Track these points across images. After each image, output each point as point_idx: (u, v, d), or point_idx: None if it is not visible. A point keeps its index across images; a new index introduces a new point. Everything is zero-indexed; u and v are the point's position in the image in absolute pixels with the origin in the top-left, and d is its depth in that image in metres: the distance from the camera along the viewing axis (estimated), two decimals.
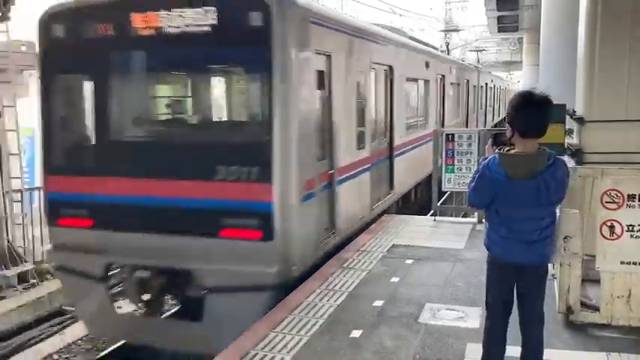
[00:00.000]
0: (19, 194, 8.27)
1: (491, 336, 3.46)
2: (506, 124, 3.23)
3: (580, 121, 5.44)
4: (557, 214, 3.40)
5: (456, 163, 8.14)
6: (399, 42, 10.12)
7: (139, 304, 5.64)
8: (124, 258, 5.59)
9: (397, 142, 9.27)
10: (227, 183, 5.22)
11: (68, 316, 7.41)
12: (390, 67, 8.85)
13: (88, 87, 5.93)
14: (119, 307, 5.90)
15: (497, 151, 3.23)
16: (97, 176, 5.67)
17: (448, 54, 23.65)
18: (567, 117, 5.77)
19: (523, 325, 3.37)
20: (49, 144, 5.94)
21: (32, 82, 12.87)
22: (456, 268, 6.09)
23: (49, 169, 5.93)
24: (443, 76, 13.48)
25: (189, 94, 6.54)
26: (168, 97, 6.50)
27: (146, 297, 5.59)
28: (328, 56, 6.16)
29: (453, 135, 8.46)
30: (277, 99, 5.11)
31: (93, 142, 5.94)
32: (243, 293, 5.21)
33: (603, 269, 4.34)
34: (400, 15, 34.87)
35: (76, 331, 6.78)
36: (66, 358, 6.19)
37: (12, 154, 8.23)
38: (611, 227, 4.18)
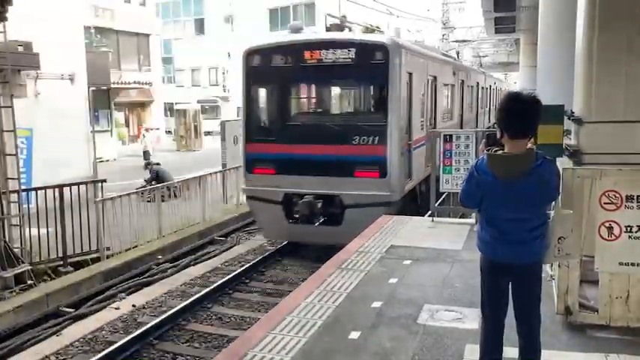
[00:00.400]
0: (16, 195, 8.23)
1: (487, 337, 3.45)
2: (496, 126, 3.23)
3: (578, 121, 5.43)
4: (551, 215, 3.40)
5: (453, 163, 8.12)
6: (439, 58, 13.69)
7: (303, 217, 8.99)
8: (296, 189, 9.11)
9: (437, 127, 11.86)
10: (361, 146, 8.98)
11: (66, 317, 7.39)
12: (435, 77, 12.02)
13: (274, 92, 10.04)
14: (289, 220, 9.34)
15: (485, 151, 3.24)
16: (277, 144, 9.43)
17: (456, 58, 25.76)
18: (565, 118, 5.78)
19: (519, 326, 3.37)
20: (248, 125, 9.83)
21: (30, 82, 12.86)
22: (454, 269, 6.08)
23: (248, 139, 9.75)
24: (462, 80, 16.40)
25: (338, 96, 11.09)
26: (322, 98, 10.90)
27: (307, 212, 8.89)
28: (411, 74, 9.73)
29: (450, 136, 8.45)
30: (390, 100, 9.01)
31: (276, 123, 9.95)
32: (368, 208, 8.63)
33: (602, 270, 4.33)
34: (397, 16, 34.88)
35: (74, 332, 6.76)
36: (63, 359, 6.16)
37: (8, 155, 8.20)
38: (610, 228, 4.18)
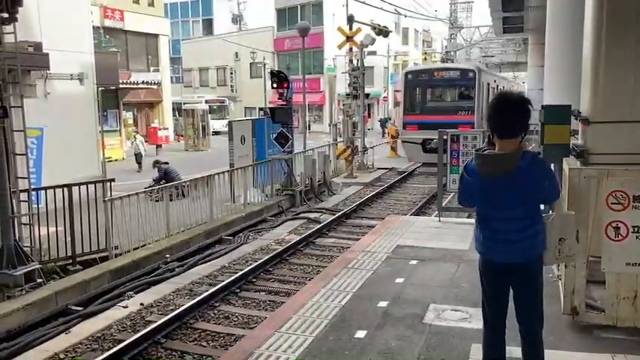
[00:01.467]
0: (26, 194, 8.30)
1: (488, 338, 3.47)
2: (486, 126, 3.28)
3: (585, 121, 5.42)
4: (551, 215, 3.40)
5: (460, 163, 8.14)
6: (491, 73, 25.60)
7: (431, 149, 18.39)
8: (428, 137, 18.64)
9: None
10: (462, 115, 19.78)
11: (74, 315, 7.45)
12: (488, 84, 21.23)
13: (419, 90, 21.76)
14: (424, 152, 20.06)
15: (474, 151, 3.28)
16: (420, 114, 20.90)
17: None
18: (572, 118, 5.77)
19: (520, 327, 3.38)
20: (406, 106, 21.68)
21: (39, 83, 12.95)
22: (461, 268, 6.09)
23: (406, 113, 21.53)
24: (497, 85, 24.62)
25: (450, 92, 22.08)
26: (442, 93, 22.11)
27: (433, 147, 16.88)
28: (482, 82, 20.71)
29: (458, 136, 8.48)
30: (476, 94, 20.16)
31: (420, 104, 21.57)
32: None
33: (609, 270, 4.33)
34: (405, 16, 34.84)
35: (82, 330, 6.81)
36: (72, 357, 6.21)
37: (19, 155, 8.27)
38: (617, 228, 4.18)
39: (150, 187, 12.44)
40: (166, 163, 14.71)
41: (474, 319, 4.64)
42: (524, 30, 24.97)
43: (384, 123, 38.28)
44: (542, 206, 3.55)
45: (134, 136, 23.15)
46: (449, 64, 26.47)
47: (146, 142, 28.52)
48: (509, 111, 3.14)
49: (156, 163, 14.88)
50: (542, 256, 3.32)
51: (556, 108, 5.93)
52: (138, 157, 21.21)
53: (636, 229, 4.14)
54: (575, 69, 6.99)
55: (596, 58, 5.33)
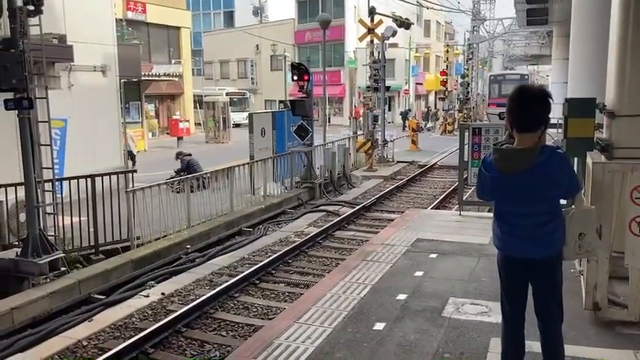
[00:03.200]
0: (50, 184, 8.45)
1: (506, 331, 3.45)
2: (506, 119, 3.24)
3: (610, 115, 5.31)
4: (571, 209, 3.35)
5: (481, 157, 8.06)
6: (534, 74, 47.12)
7: None
8: (502, 110, 16.86)
9: None
10: None
11: (97, 303, 7.58)
12: (536, 80, 39.31)
13: (496, 88, 36.80)
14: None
15: (492, 146, 3.24)
16: (497, 98, 34.30)
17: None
18: (597, 111, 5.66)
19: (538, 322, 3.35)
20: (490, 94, 37.78)
21: (63, 74, 13.15)
22: (481, 262, 6.06)
23: (489, 97, 38.01)
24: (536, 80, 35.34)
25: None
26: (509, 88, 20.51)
27: None
28: (536, 79, 41.58)
29: (480, 129, 8.40)
30: None
31: (498, 92, 36.08)
32: None
33: (632, 266, 4.26)
34: (427, 8, 34.52)
35: (105, 318, 6.93)
36: (95, 344, 6.33)
37: (43, 145, 8.42)
38: None
39: (171, 178, 12.57)
40: (189, 154, 14.82)
41: (493, 313, 4.61)
42: (549, 22, 24.53)
43: (405, 115, 38.08)
44: (563, 201, 3.50)
45: (132, 138, 22.99)
46: (513, 71, 46.55)
47: (167, 134, 28.87)
48: (530, 104, 3.08)
49: (179, 154, 15.00)
50: (562, 252, 3.28)
51: (580, 101, 5.82)
52: (129, 154, 21.11)
53: None
54: (601, 61, 6.86)
55: (622, 51, 5.22)
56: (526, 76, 36.61)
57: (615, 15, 5.38)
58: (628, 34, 5.16)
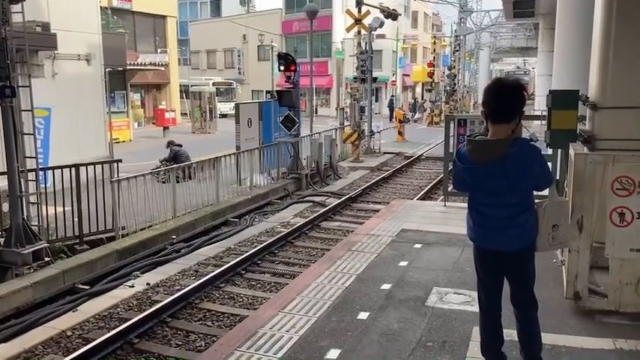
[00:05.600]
0: (34, 174, 8.36)
1: (484, 321, 3.51)
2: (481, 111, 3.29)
3: (593, 107, 5.36)
4: (544, 202, 3.40)
5: None
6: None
7: None
8: None
9: None
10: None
11: (81, 294, 7.54)
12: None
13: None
14: None
15: (466, 137, 3.28)
16: None
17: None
18: (580, 103, 5.71)
19: (514, 308, 3.41)
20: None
21: (47, 63, 12.98)
22: (465, 253, 6.10)
23: None
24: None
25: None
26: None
27: None
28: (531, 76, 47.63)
29: (465, 120, 8.43)
30: (530, 83, 44.86)
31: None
32: None
33: (612, 256, 4.33)
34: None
35: (89, 308, 6.90)
36: (79, 334, 6.30)
37: (26, 134, 8.32)
38: (622, 214, 4.17)
39: (156, 168, 12.50)
40: (180, 145, 14.69)
41: (476, 303, 4.61)
42: (535, 14, 24.64)
43: (391, 103, 38.15)
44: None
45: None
46: (518, 70, 56.17)
47: (153, 124, 28.66)
48: (504, 96, 3.13)
49: (170, 143, 14.88)
50: (535, 243, 3.33)
51: (564, 93, 5.86)
52: None
53: None
54: (584, 54, 6.91)
55: (605, 44, 5.27)
56: (526, 71, 47.52)
57: (599, 8, 5.42)
58: (611, 27, 5.20)
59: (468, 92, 47.95)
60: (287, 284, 7.01)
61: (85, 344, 5.80)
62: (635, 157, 4.33)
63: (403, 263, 5.79)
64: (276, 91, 16.22)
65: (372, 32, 20.92)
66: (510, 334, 3.52)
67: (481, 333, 3.54)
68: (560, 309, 4.51)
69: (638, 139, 5.04)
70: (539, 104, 19.74)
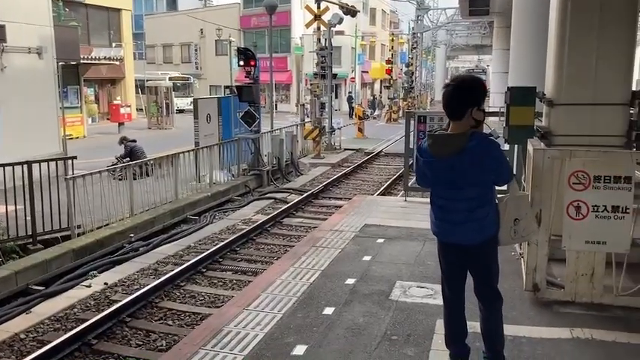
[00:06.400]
0: None
1: (448, 314, 3.57)
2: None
3: (549, 103, 5.53)
4: (505, 196, 3.48)
5: None
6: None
7: None
8: None
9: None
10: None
11: (35, 295, 7.29)
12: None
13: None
14: None
15: (427, 132, 3.37)
16: None
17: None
18: (537, 100, 5.87)
19: (478, 301, 3.48)
20: None
21: None
22: (426, 247, 6.20)
23: None
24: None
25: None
26: None
27: None
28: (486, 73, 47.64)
29: (425, 117, 8.55)
30: (487, 79, 38.75)
31: None
32: None
33: (569, 248, 4.47)
34: None
35: (44, 309, 6.68)
36: (34, 337, 6.09)
37: None
38: (578, 207, 4.30)
39: (112, 165, 12.19)
40: (134, 141, 14.36)
41: (438, 296, 4.69)
42: (490, 13, 25.17)
43: (350, 100, 38.36)
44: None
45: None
46: (476, 68, 57.91)
47: (108, 119, 27.97)
48: (453, 94, 3.21)
49: (123, 140, 14.50)
50: (497, 237, 3.40)
51: (521, 90, 6.00)
52: None
53: (596, 209, 4.27)
54: (541, 52, 7.11)
55: (560, 43, 5.43)
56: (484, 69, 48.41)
57: (554, 8, 5.58)
58: (566, 26, 5.36)
59: (425, 89, 48.66)
60: (250, 282, 6.96)
61: (40, 347, 5.60)
62: (590, 152, 4.47)
63: (367, 258, 5.83)
64: (236, 86, 16.02)
65: (332, 29, 20.96)
66: (474, 326, 3.59)
67: (445, 325, 3.60)
68: (519, 301, 4.62)
69: (593, 134, 5.23)
70: (494, 101, 20.18)
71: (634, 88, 5.46)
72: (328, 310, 4.50)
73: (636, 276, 4.53)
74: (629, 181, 4.19)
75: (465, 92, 3.20)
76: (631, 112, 5.34)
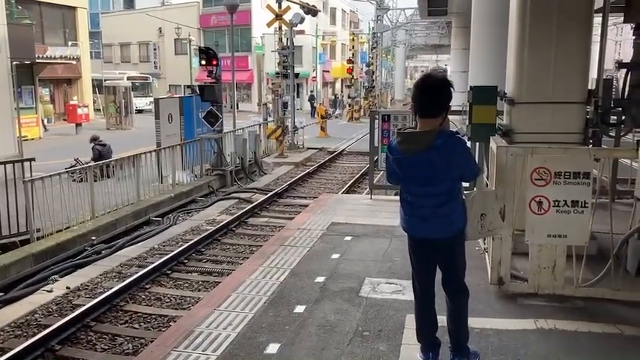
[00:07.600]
0: None
1: (418, 308, 3.64)
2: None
3: (510, 102, 5.68)
4: (472, 192, 3.58)
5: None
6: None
7: None
8: None
9: None
10: None
11: None
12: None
13: None
14: None
15: (396, 130, 3.44)
16: None
17: None
18: (498, 99, 6.03)
19: (446, 294, 3.56)
20: None
21: None
22: (393, 243, 6.28)
23: None
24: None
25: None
26: None
27: None
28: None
29: (389, 116, 8.66)
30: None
31: None
32: None
33: (532, 242, 4.61)
34: None
35: (4, 316, 6.48)
36: None
37: None
38: (539, 203, 4.44)
39: (72, 167, 11.90)
40: (104, 144, 13.97)
41: (407, 291, 4.80)
42: (448, 13, 25.57)
43: (312, 99, 38.44)
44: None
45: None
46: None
47: (64, 120, 27.25)
48: (430, 92, 3.26)
49: (93, 139, 14.08)
50: (465, 231, 3.49)
51: (483, 89, 6.15)
52: None
53: (557, 203, 4.41)
54: (500, 52, 7.30)
55: (520, 43, 5.58)
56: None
57: (514, 9, 5.73)
58: (525, 27, 5.52)
59: (385, 88, 49.14)
60: (216, 282, 6.93)
61: (1, 355, 5.43)
62: (551, 149, 4.62)
63: (335, 256, 5.87)
64: (198, 85, 15.84)
65: (293, 28, 20.96)
66: (443, 320, 3.66)
67: (416, 319, 3.66)
68: (485, 294, 4.74)
69: (552, 132, 5.40)
70: (455, 100, 20.58)
71: (590, 87, 5.66)
72: (299, 309, 4.52)
73: (595, 268, 4.71)
74: (588, 176, 4.36)
75: (444, 90, 3.25)
76: (587, 110, 5.54)
